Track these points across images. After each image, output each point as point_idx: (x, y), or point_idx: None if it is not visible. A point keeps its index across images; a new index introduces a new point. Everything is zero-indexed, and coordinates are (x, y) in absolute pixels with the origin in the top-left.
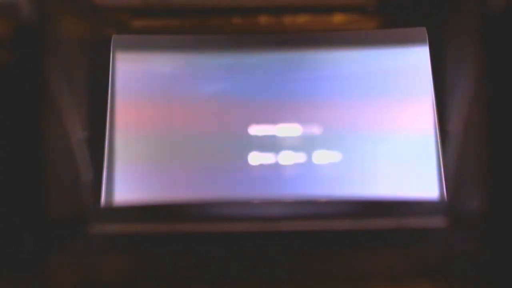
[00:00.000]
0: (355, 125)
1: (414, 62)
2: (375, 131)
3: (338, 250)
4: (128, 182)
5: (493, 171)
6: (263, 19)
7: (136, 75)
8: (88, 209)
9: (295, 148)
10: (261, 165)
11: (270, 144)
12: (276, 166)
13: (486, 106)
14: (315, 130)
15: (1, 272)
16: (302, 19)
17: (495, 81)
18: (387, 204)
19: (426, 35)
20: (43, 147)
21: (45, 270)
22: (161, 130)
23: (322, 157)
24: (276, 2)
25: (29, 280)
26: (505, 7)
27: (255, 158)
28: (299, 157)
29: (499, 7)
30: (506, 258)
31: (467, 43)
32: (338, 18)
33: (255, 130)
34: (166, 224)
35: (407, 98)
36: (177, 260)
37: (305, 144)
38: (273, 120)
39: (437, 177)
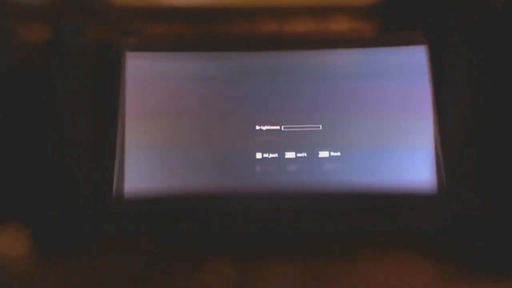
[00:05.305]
0: (355, 124)
1: (413, 63)
2: (374, 131)
3: (337, 247)
4: (138, 178)
5: (491, 170)
6: (265, 24)
7: (146, 77)
8: (96, 207)
9: (298, 146)
10: (265, 163)
11: (274, 142)
12: (279, 163)
13: (485, 105)
14: (317, 128)
15: (3, 272)
16: (303, 22)
17: (494, 80)
18: (386, 201)
19: (426, 37)
20: (54, 145)
21: (50, 267)
22: (169, 130)
23: (324, 154)
24: (278, 7)
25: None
26: (504, 7)
27: (260, 156)
28: (302, 155)
29: (498, 8)
30: (505, 257)
31: (466, 43)
32: (338, 21)
33: (260, 129)
34: (171, 219)
35: (405, 98)
36: (180, 258)
37: (308, 142)
38: (277, 120)
39: (436, 175)
